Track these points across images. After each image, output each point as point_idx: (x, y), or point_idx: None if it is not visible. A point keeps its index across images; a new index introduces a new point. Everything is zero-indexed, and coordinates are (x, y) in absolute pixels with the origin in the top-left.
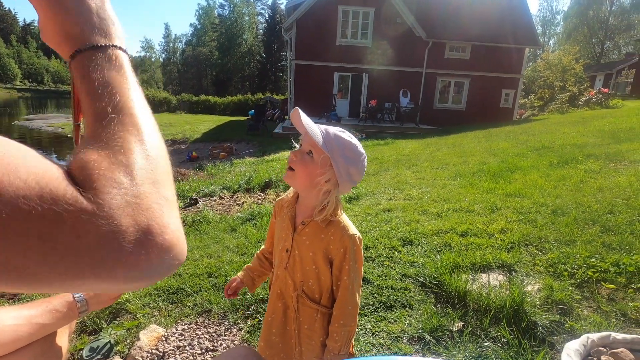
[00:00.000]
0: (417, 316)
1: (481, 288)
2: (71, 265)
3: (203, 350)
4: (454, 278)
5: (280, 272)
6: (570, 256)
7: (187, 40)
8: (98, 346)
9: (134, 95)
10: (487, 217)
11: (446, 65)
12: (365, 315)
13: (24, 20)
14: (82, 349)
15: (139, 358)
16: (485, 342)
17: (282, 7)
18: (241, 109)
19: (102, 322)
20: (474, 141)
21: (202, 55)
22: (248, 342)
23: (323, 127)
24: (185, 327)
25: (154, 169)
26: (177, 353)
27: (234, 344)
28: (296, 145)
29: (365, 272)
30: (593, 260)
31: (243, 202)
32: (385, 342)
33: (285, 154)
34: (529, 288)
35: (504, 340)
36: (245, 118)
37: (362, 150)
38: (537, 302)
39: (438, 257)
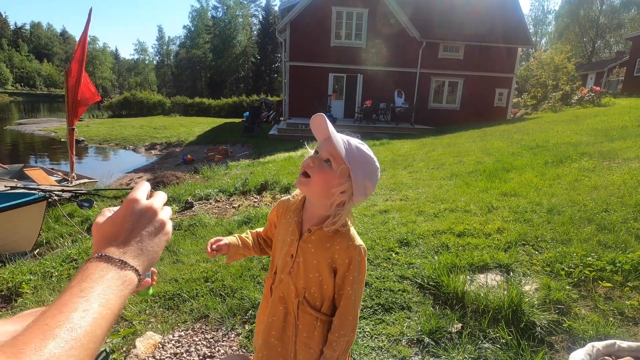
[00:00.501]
0: (415, 318)
1: (479, 289)
2: None
3: (200, 357)
4: (452, 279)
5: (284, 276)
6: (567, 255)
7: (180, 42)
8: None
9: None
10: (483, 217)
11: (440, 65)
12: (364, 318)
13: (15, 23)
14: None
15: None
16: (485, 343)
17: (276, 8)
18: (236, 111)
19: None
20: (468, 141)
21: (196, 58)
22: (246, 348)
23: (345, 137)
24: (182, 333)
25: None
26: None
27: (232, 350)
28: (309, 149)
29: None
30: (589, 259)
31: (239, 205)
32: (384, 345)
33: (281, 155)
34: (527, 288)
35: (503, 341)
36: (240, 120)
37: (378, 165)
38: (535, 302)
39: (435, 258)
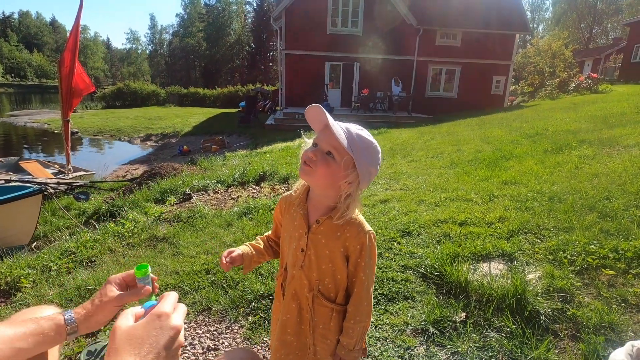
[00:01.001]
0: (419, 308)
1: (482, 278)
2: None
3: (204, 349)
4: (455, 268)
5: (296, 271)
6: (569, 243)
7: (173, 31)
8: (96, 349)
9: None
10: (484, 205)
11: (437, 53)
12: None
13: (3, 12)
14: (79, 352)
15: None
16: (489, 332)
17: None
18: (231, 100)
19: None
20: (467, 129)
21: (189, 47)
22: (250, 340)
23: (343, 124)
24: (185, 326)
25: None
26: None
27: (236, 342)
28: (306, 139)
29: None
30: (592, 246)
31: (238, 196)
32: (389, 335)
33: (279, 145)
34: (530, 276)
35: (508, 329)
36: (235, 110)
37: (380, 148)
38: (539, 291)
39: (438, 247)
